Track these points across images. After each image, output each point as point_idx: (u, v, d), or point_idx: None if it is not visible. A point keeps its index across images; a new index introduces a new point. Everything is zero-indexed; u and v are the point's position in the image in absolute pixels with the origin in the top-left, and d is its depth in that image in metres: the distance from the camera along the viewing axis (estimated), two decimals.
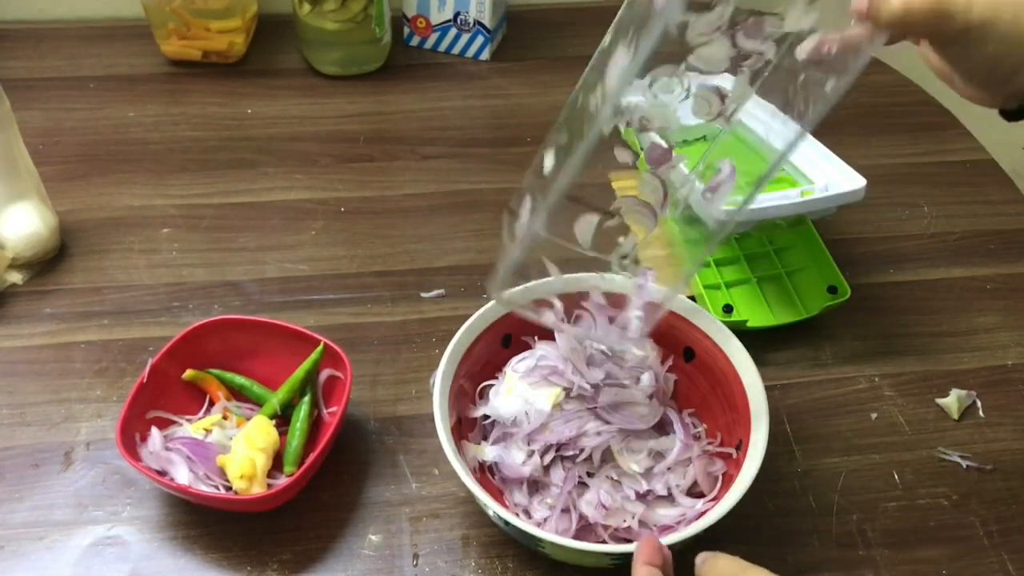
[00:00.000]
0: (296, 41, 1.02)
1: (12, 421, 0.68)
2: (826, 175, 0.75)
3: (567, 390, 0.61)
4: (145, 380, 0.62)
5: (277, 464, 0.62)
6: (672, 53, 0.55)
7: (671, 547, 0.51)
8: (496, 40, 1.05)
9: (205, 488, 0.61)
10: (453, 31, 1.03)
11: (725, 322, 0.64)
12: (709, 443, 0.63)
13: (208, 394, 0.66)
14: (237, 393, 0.67)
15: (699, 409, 0.65)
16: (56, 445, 0.66)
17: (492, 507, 0.54)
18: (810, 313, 0.74)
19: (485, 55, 1.04)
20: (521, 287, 0.61)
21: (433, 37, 1.04)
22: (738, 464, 0.58)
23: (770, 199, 0.72)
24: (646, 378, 0.63)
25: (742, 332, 0.67)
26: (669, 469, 0.61)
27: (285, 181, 0.88)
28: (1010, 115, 0.55)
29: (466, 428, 0.63)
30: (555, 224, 0.57)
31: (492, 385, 0.64)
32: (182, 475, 0.60)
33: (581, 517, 0.59)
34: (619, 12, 0.55)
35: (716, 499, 0.59)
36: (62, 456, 0.66)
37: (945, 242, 0.85)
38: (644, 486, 0.60)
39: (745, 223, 0.74)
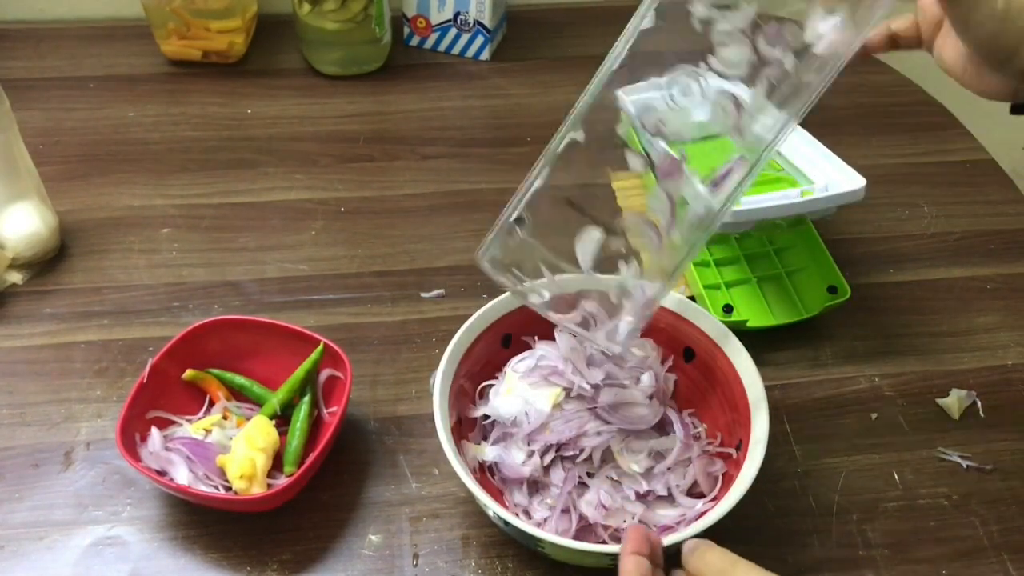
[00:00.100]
0: (296, 41, 1.02)
1: (12, 421, 0.68)
2: (826, 175, 0.75)
3: (567, 390, 0.61)
4: (145, 380, 0.62)
5: (277, 464, 0.62)
6: (693, 52, 0.56)
7: (671, 547, 0.51)
8: (496, 40, 1.05)
9: (205, 488, 0.61)
10: (453, 31, 1.03)
11: (725, 322, 0.64)
12: (709, 443, 0.63)
13: (208, 394, 0.66)
14: (237, 393, 0.67)
15: (699, 409, 0.65)
16: (56, 445, 0.66)
17: (492, 507, 0.54)
18: (810, 313, 0.74)
19: (485, 55, 1.04)
20: (514, 282, 0.60)
21: (433, 37, 1.04)
22: (738, 464, 0.58)
23: (770, 199, 0.72)
24: (646, 378, 0.63)
25: (742, 332, 0.67)
26: (669, 469, 0.61)
27: (285, 181, 0.88)
28: (1021, 108, 0.55)
29: (466, 428, 0.63)
30: (553, 215, 0.57)
31: (492, 385, 0.64)
32: (182, 475, 0.60)
33: (581, 517, 0.59)
34: None
35: (716, 499, 0.59)
36: (62, 456, 0.66)
37: (945, 242, 0.85)
38: (644, 486, 0.60)
39: (745, 223, 0.74)
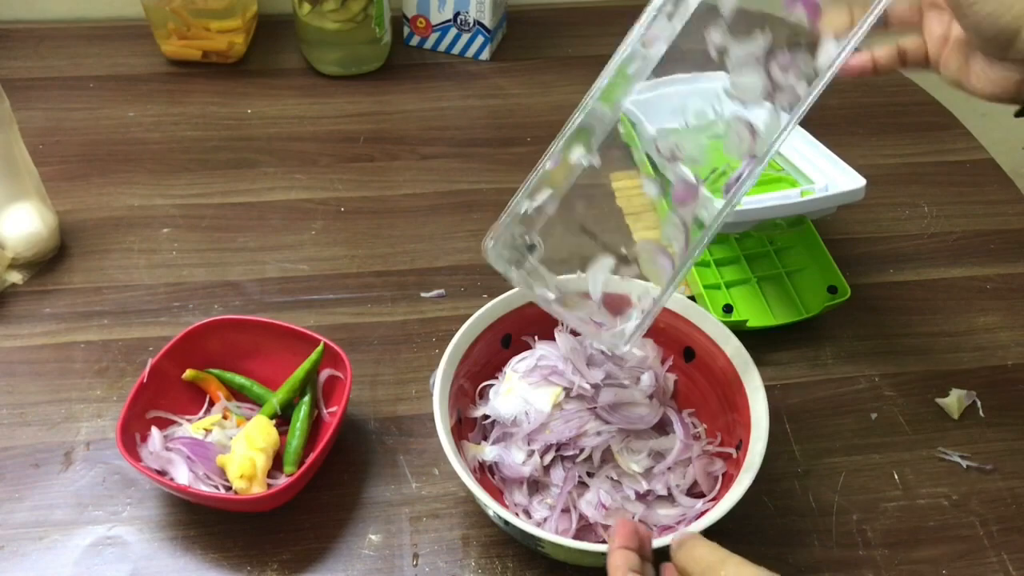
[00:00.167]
0: (296, 41, 1.02)
1: (12, 421, 0.68)
2: (826, 175, 0.75)
3: (567, 390, 0.61)
4: (145, 380, 0.62)
5: (277, 464, 0.62)
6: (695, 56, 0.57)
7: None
8: (496, 40, 1.05)
9: (205, 488, 0.61)
10: (453, 31, 1.03)
11: (725, 322, 0.64)
12: (709, 443, 0.63)
13: (208, 394, 0.66)
14: (237, 393, 0.67)
15: (699, 409, 0.65)
16: (56, 445, 0.66)
17: (492, 507, 0.54)
18: (810, 313, 0.74)
19: (485, 55, 1.04)
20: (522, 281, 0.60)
21: (433, 37, 1.04)
22: (738, 464, 0.58)
23: (770, 199, 0.72)
24: (646, 378, 0.63)
25: (742, 332, 0.67)
26: (669, 469, 0.61)
27: (285, 181, 0.88)
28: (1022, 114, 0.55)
29: (466, 428, 0.63)
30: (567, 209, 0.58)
31: (492, 385, 0.64)
32: (182, 475, 0.60)
33: (581, 517, 0.59)
34: None
35: (716, 499, 0.59)
36: (62, 456, 0.66)
37: (945, 242, 0.85)
38: (644, 486, 0.60)
39: (745, 223, 0.74)
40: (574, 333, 0.64)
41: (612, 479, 0.61)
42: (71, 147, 0.90)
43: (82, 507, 0.63)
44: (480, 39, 1.03)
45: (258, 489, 0.60)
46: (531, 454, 0.60)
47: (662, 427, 0.63)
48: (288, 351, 0.66)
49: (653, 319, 0.55)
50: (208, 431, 0.63)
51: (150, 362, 0.63)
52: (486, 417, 0.63)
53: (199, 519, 0.62)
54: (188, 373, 0.65)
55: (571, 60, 1.05)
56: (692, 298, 0.67)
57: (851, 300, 0.73)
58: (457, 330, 0.62)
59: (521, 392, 0.61)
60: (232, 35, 1.00)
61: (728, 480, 0.59)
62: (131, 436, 0.60)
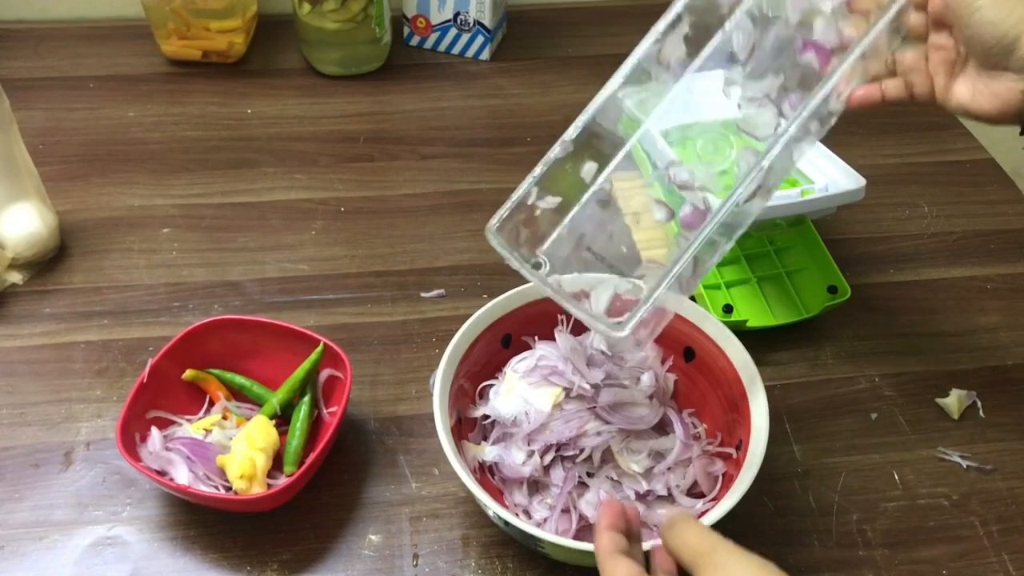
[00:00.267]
0: (296, 41, 1.02)
1: (12, 421, 0.68)
2: (826, 175, 0.75)
3: (567, 390, 0.61)
4: (145, 380, 0.62)
5: (277, 464, 0.62)
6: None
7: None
8: (496, 40, 1.05)
9: (205, 488, 0.61)
10: (453, 31, 1.03)
11: (725, 322, 0.64)
12: (709, 443, 0.63)
13: (208, 394, 0.66)
14: (237, 393, 0.67)
15: (699, 409, 0.65)
16: (56, 445, 0.66)
17: (492, 507, 0.54)
18: (810, 313, 0.74)
19: (485, 55, 1.04)
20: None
21: (433, 37, 1.04)
22: (738, 464, 0.58)
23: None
24: (646, 378, 0.63)
25: (742, 332, 0.67)
26: (669, 469, 0.61)
27: (285, 181, 0.88)
28: None
29: (466, 428, 0.63)
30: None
31: (492, 385, 0.64)
32: (182, 475, 0.60)
33: (581, 517, 0.59)
34: None
35: (716, 499, 0.59)
36: (62, 456, 0.66)
37: (945, 242, 0.85)
38: (644, 486, 0.60)
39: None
40: (574, 332, 0.64)
41: (612, 479, 0.61)
42: (71, 147, 0.90)
43: (82, 507, 0.63)
44: (480, 39, 1.03)
45: (258, 489, 0.60)
46: (531, 454, 0.60)
47: (662, 427, 0.63)
48: (288, 351, 0.66)
49: (652, 304, 0.53)
50: (208, 431, 0.63)
51: (150, 362, 0.63)
52: (486, 417, 0.63)
53: (199, 519, 0.62)
54: (188, 373, 0.65)
55: (571, 60, 1.05)
56: (692, 298, 0.67)
57: (851, 300, 0.73)
58: (457, 330, 0.62)
59: (521, 392, 0.61)
60: (232, 35, 1.00)
61: (728, 480, 0.59)
62: (131, 436, 0.60)
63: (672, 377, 0.66)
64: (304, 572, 0.60)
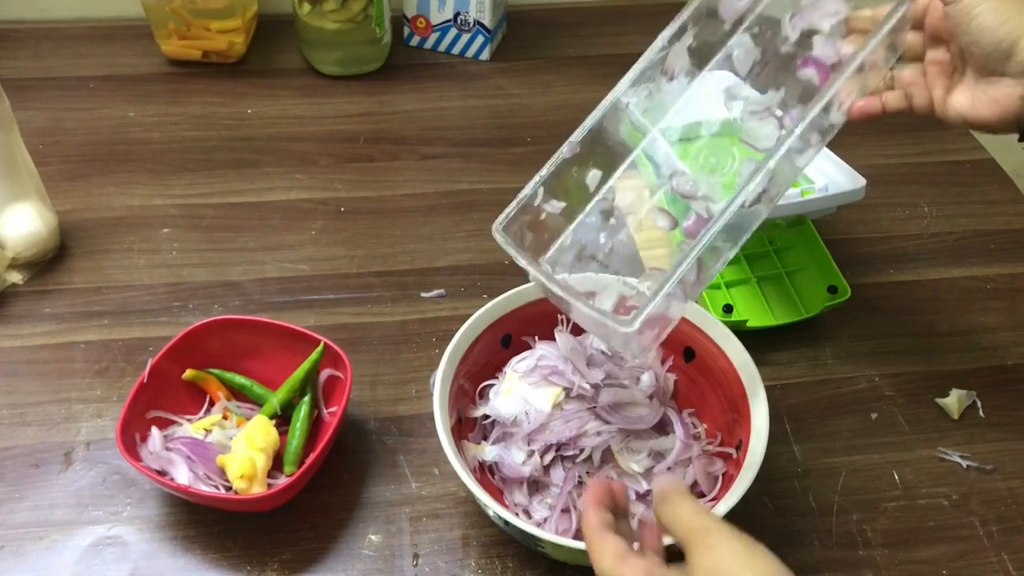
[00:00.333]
0: (296, 41, 1.02)
1: (12, 421, 0.68)
2: (826, 175, 0.75)
3: (567, 390, 0.61)
4: (145, 380, 0.62)
5: (277, 464, 0.62)
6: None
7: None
8: (496, 40, 1.05)
9: (205, 488, 0.61)
10: (453, 31, 1.03)
11: (725, 322, 0.64)
12: (709, 443, 0.63)
13: (208, 394, 0.66)
14: (237, 393, 0.67)
15: (699, 409, 0.65)
16: (56, 445, 0.66)
17: (492, 507, 0.54)
18: (810, 313, 0.74)
19: (485, 55, 1.04)
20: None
21: (433, 37, 1.04)
22: (738, 464, 0.58)
23: None
24: (646, 378, 0.63)
25: (742, 332, 0.67)
26: (669, 469, 0.61)
27: (285, 181, 0.88)
28: None
29: (466, 428, 0.63)
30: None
31: (492, 385, 0.64)
32: (182, 475, 0.60)
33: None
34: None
35: (716, 499, 0.59)
36: (62, 456, 0.66)
37: (945, 242, 0.85)
38: (644, 486, 0.60)
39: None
40: (574, 332, 0.64)
41: (612, 479, 0.61)
42: (71, 147, 0.90)
43: (82, 507, 0.63)
44: (480, 39, 1.03)
45: (258, 489, 0.60)
46: (531, 454, 0.60)
47: (662, 427, 0.63)
48: (288, 351, 0.66)
49: (660, 300, 0.52)
50: (208, 431, 0.63)
51: (150, 362, 0.63)
52: (486, 417, 0.63)
53: (199, 519, 0.62)
54: (188, 373, 0.65)
55: (571, 60, 1.05)
56: None
57: (851, 300, 0.73)
58: (457, 330, 0.62)
59: (521, 392, 0.61)
60: (232, 35, 1.00)
61: (728, 480, 0.59)
62: (131, 436, 0.60)
63: (672, 377, 0.66)
64: (304, 572, 0.60)
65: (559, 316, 0.64)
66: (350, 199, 0.87)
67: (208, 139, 0.92)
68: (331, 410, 0.66)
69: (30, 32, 1.04)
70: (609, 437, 0.60)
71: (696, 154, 0.61)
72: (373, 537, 0.62)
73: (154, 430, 0.62)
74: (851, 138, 0.93)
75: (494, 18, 1.01)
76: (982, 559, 0.62)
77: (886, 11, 0.56)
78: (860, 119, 0.59)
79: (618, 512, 0.49)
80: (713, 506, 0.55)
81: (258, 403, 0.66)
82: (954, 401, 0.71)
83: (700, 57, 0.59)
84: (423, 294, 0.78)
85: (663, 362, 0.65)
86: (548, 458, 0.61)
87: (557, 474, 0.61)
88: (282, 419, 0.65)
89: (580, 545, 0.53)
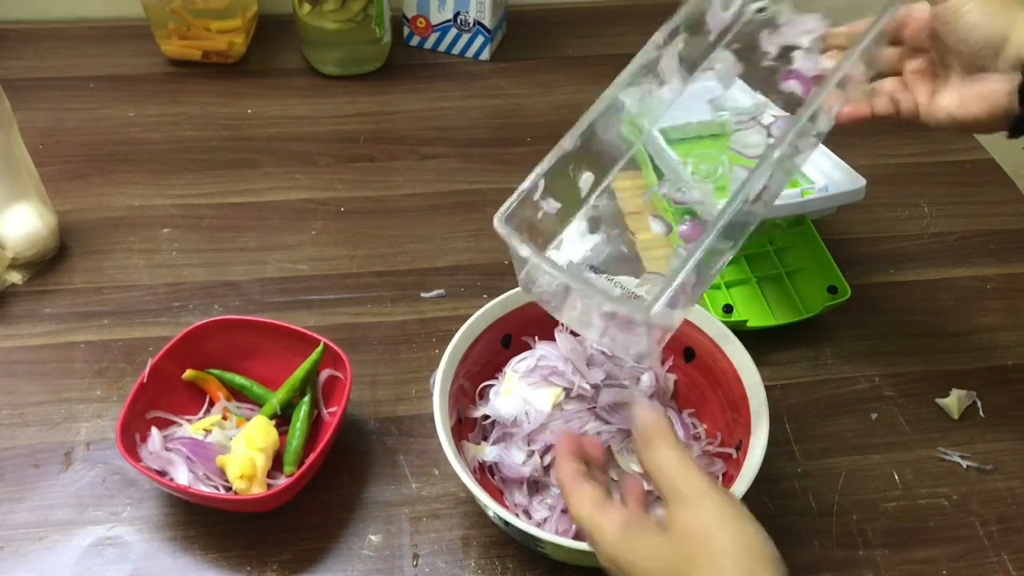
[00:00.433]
0: (296, 41, 1.02)
1: (12, 421, 0.68)
2: (826, 175, 0.75)
3: (567, 390, 0.61)
4: (145, 380, 0.62)
5: (277, 464, 0.62)
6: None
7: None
8: (496, 40, 1.05)
9: (205, 488, 0.61)
10: (453, 31, 1.03)
11: (725, 322, 0.64)
12: (709, 443, 0.63)
13: (208, 394, 0.66)
14: (237, 393, 0.67)
15: (699, 409, 0.65)
16: (56, 445, 0.66)
17: (492, 507, 0.54)
18: (810, 313, 0.74)
19: (485, 55, 1.04)
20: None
21: (433, 37, 1.04)
22: (738, 464, 0.58)
23: None
24: (646, 378, 0.63)
25: (742, 332, 0.67)
26: None
27: (285, 181, 0.88)
28: (1016, 132, 0.56)
29: (466, 428, 0.63)
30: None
31: (492, 385, 0.64)
32: (182, 475, 0.60)
33: None
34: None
35: None
36: (62, 456, 0.66)
37: (945, 242, 0.85)
38: (644, 486, 0.60)
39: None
40: (574, 332, 0.64)
41: (612, 479, 0.61)
42: (71, 147, 0.90)
43: (82, 507, 0.63)
44: (480, 39, 1.03)
45: (258, 489, 0.60)
46: (531, 454, 0.60)
47: None
48: (288, 351, 0.66)
49: (681, 279, 0.49)
50: (208, 431, 0.63)
51: (150, 362, 0.63)
52: (486, 417, 0.63)
53: (199, 519, 0.62)
54: (188, 373, 0.65)
55: (571, 60, 1.05)
56: None
57: (851, 300, 0.73)
58: (457, 330, 0.62)
59: (521, 392, 0.61)
60: (232, 35, 1.00)
61: (728, 480, 0.59)
62: (131, 436, 0.60)
63: (672, 377, 0.66)
64: (304, 572, 0.60)
65: None
66: (350, 199, 0.86)
67: (208, 139, 0.92)
68: (331, 410, 0.66)
69: (30, 32, 1.04)
70: (609, 437, 0.60)
71: (687, 161, 0.62)
72: (373, 537, 0.62)
73: (154, 430, 0.62)
74: (851, 138, 0.93)
75: (494, 18, 1.01)
76: (982, 559, 0.62)
77: (865, 25, 0.57)
78: (850, 123, 0.59)
79: (593, 463, 0.49)
80: None
81: (258, 403, 0.66)
82: (954, 401, 0.71)
83: (689, 65, 0.60)
84: (423, 294, 0.78)
85: (663, 362, 0.65)
86: (548, 458, 0.61)
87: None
88: (282, 419, 0.65)
89: (580, 545, 0.53)
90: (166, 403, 0.64)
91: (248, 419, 0.64)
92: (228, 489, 0.61)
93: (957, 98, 0.57)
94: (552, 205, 0.56)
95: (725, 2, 0.60)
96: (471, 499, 0.61)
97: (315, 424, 0.65)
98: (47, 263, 0.79)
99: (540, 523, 0.60)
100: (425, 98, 0.99)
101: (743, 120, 0.61)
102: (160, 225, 0.83)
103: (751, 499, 0.54)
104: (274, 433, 0.62)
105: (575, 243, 0.58)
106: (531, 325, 0.64)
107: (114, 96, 0.97)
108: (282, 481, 0.60)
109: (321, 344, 0.65)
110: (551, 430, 0.60)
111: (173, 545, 0.61)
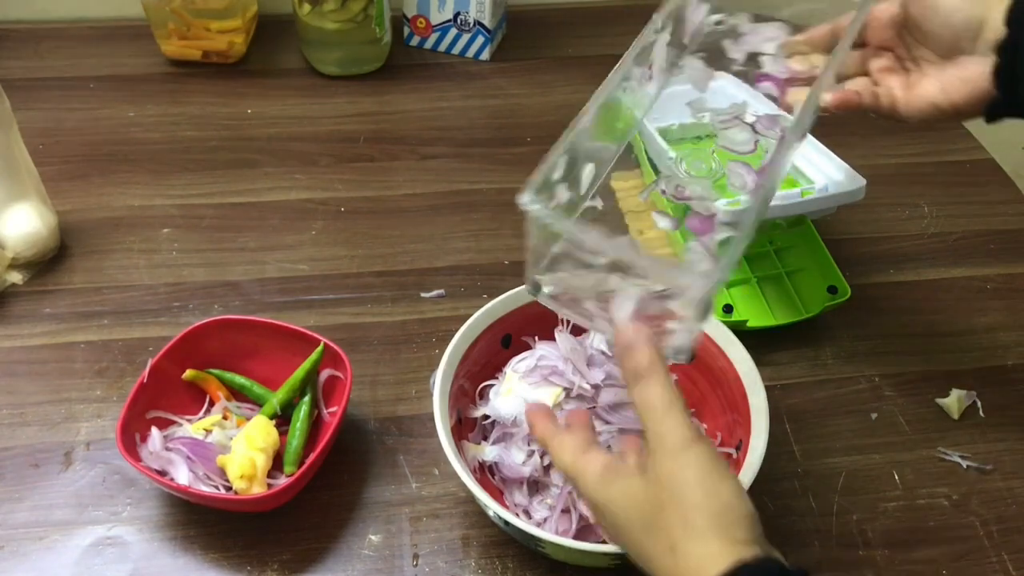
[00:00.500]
0: (296, 41, 1.02)
1: (12, 421, 0.68)
2: (826, 175, 0.75)
3: (567, 390, 0.61)
4: (145, 380, 0.62)
5: (277, 464, 0.62)
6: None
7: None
8: (496, 40, 1.05)
9: (205, 488, 0.61)
10: (453, 31, 1.03)
11: (725, 322, 0.64)
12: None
13: (208, 394, 0.66)
14: (237, 393, 0.67)
15: (699, 409, 0.65)
16: (56, 445, 0.66)
17: (492, 507, 0.54)
18: (810, 313, 0.74)
19: (485, 55, 1.04)
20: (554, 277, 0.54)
21: (433, 37, 1.04)
22: (738, 464, 0.58)
23: None
24: None
25: (742, 332, 0.67)
26: None
27: (285, 181, 0.88)
28: (992, 114, 0.57)
29: (466, 428, 0.63)
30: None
31: (492, 385, 0.64)
32: (182, 475, 0.60)
33: (581, 517, 0.59)
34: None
35: None
36: (62, 456, 0.66)
37: (945, 242, 0.85)
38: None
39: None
40: (574, 332, 0.64)
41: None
42: (71, 147, 0.90)
43: (82, 507, 0.63)
44: (480, 39, 1.03)
45: (258, 489, 0.60)
46: (531, 454, 0.60)
47: None
48: (288, 351, 0.66)
49: (734, 257, 0.46)
50: (208, 431, 0.63)
51: (150, 362, 0.63)
52: (486, 417, 0.63)
53: (199, 519, 0.62)
54: (188, 373, 0.65)
55: (571, 60, 1.05)
56: None
57: (851, 300, 0.73)
58: (457, 330, 0.62)
59: (521, 392, 0.61)
60: (232, 35, 1.00)
61: None
62: (131, 436, 0.60)
63: (672, 377, 0.66)
64: (304, 572, 0.60)
65: (559, 316, 0.64)
66: (350, 199, 0.86)
67: (208, 139, 0.92)
68: (331, 410, 0.66)
69: (30, 32, 1.04)
70: (609, 437, 0.60)
71: (681, 159, 0.62)
72: (373, 537, 0.62)
73: (154, 430, 0.62)
74: (851, 138, 0.93)
75: (494, 18, 1.01)
76: (982, 559, 0.62)
77: (823, 30, 0.59)
78: (839, 110, 0.60)
79: (576, 430, 0.50)
80: None
81: (258, 403, 0.66)
82: (954, 401, 0.71)
83: (669, 63, 0.61)
84: (423, 294, 0.78)
85: None
86: (548, 458, 0.61)
87: (557, 474, 0.61)
88: (282, 419, 0.65)
89: (581, 545, 0.53)
90: (166, 403, 0.64)
91: (248, 419, 0.64)
92: (228, 489, 0.61)
93: (938, 84, 0.57)
94: (564, 194, 0.54)
95: (694, 9, 0.61)
96: (471, 499, 0.61)
97: (315, 424, 0.65)
98: (47, 263, 0.79)
99: (540, 523, 0.60)
100: (425, 98, 0.99)
101: (726, 120, 0.61)
102: (160, 225, 0.83)
103: (751, 499, 0.54)
104: (274, 433, 0.62)
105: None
106: (531, 325, 0.64)
107: (114, 96, 0.97)
108: (282, 481, 0.60)
109: (321, 344, 0.65)
110: None
111: (173, 545, 0.61)
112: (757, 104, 0.63)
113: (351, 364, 0.64)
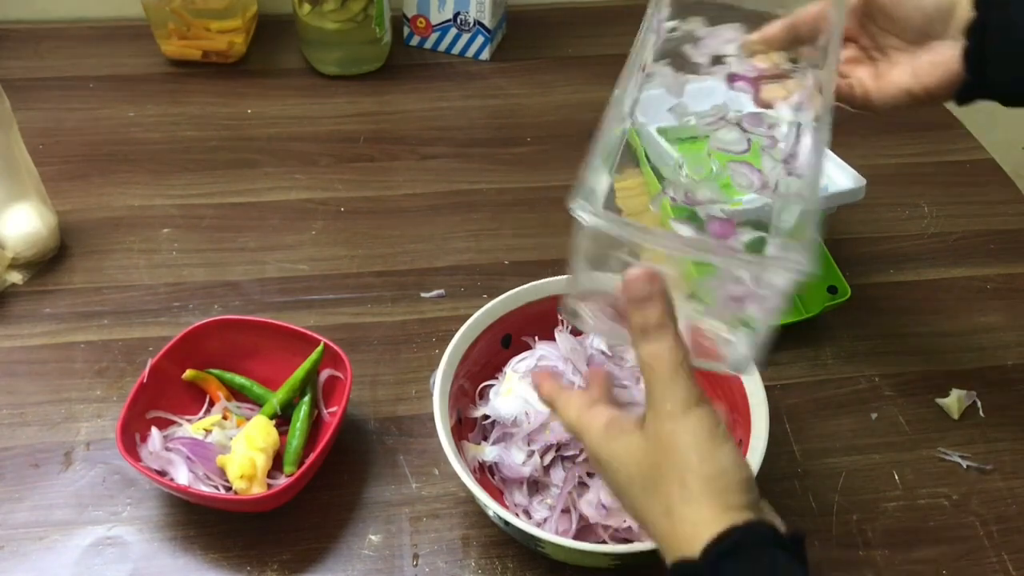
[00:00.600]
0: (296, 41, 1.02)
1: (12, 421, 0.68)
2: (826, 175, 0.75)
3: None
4: (145, 380, 0.62)
5: (277, 464, 0.62)
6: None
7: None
8: (496, 40, 1.05)
9: (205, 488, 0.61)
10: (453, 31, 1.03)
11: None
12: None
13: (208, 394, 0.66)
14: (237, 393, 0.67)
15: None
16: (56, 445, 0.66)
17: (492, 507, 0.54)
18: (810, 313, 0.74)
19: (485, 55, 1.04)
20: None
21: (433, 37, 1.04)
22: None
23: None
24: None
25: None
26: None
27: (285, 181, 0.88)
28: (963, 97, 0.57)
29: (466, 428, 0.63)
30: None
31: (492, 385, 0.64)
32: (182, 475, 0.60)
33: (581, 517, 0.59)
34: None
35: None
36: (62, 456, 0.66)
37: (945, 242, 0.85)
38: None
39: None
40: (575, 332, 0.64)
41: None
42: (71, 147, 0.90)
43: (82, 507, 0.63)
44: (480, 39, 1.03)
45: (258, 489, 0.60)
46: (531, 454, 0.60)
47: None
48: (288, 351, 0.66)
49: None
50: (208, 431, 0.63)
51: (150, 362, 0.63)
52: (486, 417, 0.63)
53: (199, 519, 0.62)
54: (188, 373, 0.65)
55: (571, 60, 1.05)
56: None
57: (851, 300, 0.73)
58: (457, 330, 0.62)
59: (521, 392, 0.61)
60: (232, 35, 1.00)
61: None
62: (131, 436, 0.60)
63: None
64: (304, 572, 0.60)
65: (559, 316, 0.64)
66: (350, 199, 0.87)
67: (208, 139, 0.92)
68: (331, 410, 0.66)
69: (30, 32, 1.04)
70: None
71: (681, 163, 0.62)
72: (373, 537, 0.62)
73: (154, 430, 0.62)
74: (851, 138, 0.93)
75: (494, 18, 1.01)
76: (982, 559, 0.62)
77: (777, 28, 0.59)
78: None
79: (598, 391, 0.51)
80: None
81: (258, 403, 0.66)
82: (954, 401, 0.70)
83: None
84: (423, 294, 0.78)
85: None
86: (548, 458, 0.61)
87: (557, 474, 0.61)
88: (282, 419, 0.65)
89: (580, 545, 0.53)
90: (166, 403, 0.64)
91: (248, 419, 0.64)
92: (228, 489, 0.61)
93: (909, 70, 0.58)
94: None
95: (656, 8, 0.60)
96: (471, 499, 0.61)
97: (315, 424, 0.65)
98: (47, 263, 0.79)
99: (540, 523, 0.60)
100: (425, 98, 0.99)
101: (711, 122, 0.60)
102: (160, 225, 0.83)
103: None
104: (274, 433, 0.62)
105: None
106: (531, 325, 0.65)
107: (114, 96, 0.97)
108: (282, 481, 0.60)
109: (321, 344, 0.65)
110: (551, 430, 0.60)
111: (173, 545, 0.61)
112: (741, 102, 0.62)
113: (351, 364, 0.64)
